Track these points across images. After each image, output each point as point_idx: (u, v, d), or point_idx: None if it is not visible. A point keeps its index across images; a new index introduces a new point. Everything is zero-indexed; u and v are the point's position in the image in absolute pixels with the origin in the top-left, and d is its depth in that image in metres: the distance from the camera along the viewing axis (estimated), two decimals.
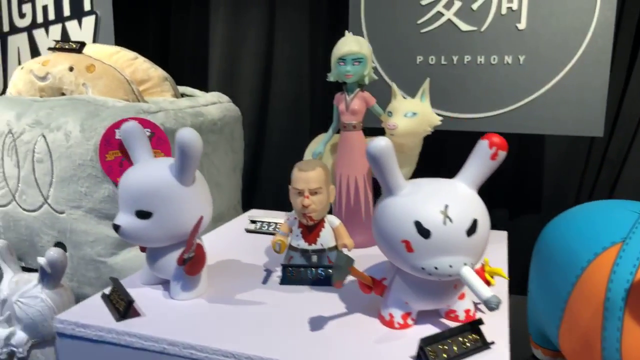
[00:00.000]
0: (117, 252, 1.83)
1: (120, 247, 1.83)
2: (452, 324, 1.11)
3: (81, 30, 2.68)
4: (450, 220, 0.98)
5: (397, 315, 1.09)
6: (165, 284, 1.30)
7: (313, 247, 1.36)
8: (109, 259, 1.82)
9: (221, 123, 2.11)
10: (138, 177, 1.17)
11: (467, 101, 2.03)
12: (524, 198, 2.47)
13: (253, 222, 1.79)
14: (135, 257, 1.83)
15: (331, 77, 1.60)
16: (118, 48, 2.17)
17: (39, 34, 2.79)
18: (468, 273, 0.98)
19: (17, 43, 2.87)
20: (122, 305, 1.13)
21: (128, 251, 1.83)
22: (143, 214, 1.15)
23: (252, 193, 2.89)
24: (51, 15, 2.74)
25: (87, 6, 2.65)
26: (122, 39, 2.64)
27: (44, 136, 1.80)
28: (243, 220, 1.94)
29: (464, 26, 2.03)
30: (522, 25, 1.97)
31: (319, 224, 1.36)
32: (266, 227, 1.77)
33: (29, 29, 2.82)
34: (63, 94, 2.00)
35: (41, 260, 1.40)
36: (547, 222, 2.43)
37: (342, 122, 1.61)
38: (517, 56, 1.98)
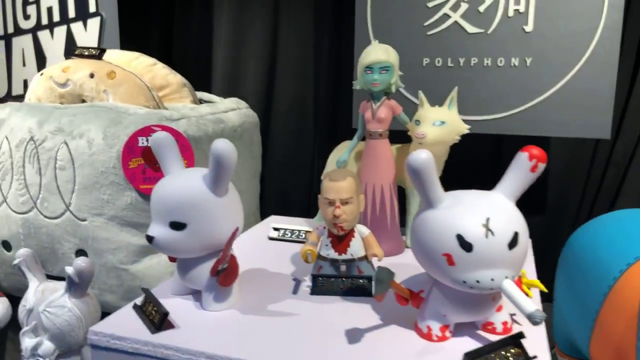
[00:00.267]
0: (139, 259, 1.82)
1: (142, 255, 1.82)
2: (490, 336, 1.10)
3: (86, 32, 2.68)
4: (492, 233, 0.97)
5: (435, 327, 1.08)
6: (195, 294, 1.30)
7: (343, 256, 1.35)
8: (130, 267, 1.82)
9: (241, 129, 2.11)
10: (172, 189, 1.16)
11: (473, 103, 2.04)
12: (528, 200, 2.46)
13: (276, 229, 1.79)
14: (157, 264, 1.83)
15: (357, 85, 1.59)
16: (137, 54, 2.16)
17: (43, 35, 2.79)
18: (510, 286, 0.98)
19: (22, 44, 2.87)
20: (157, 318, 1.13)
21: (150, 259, 1.83)
22: (177, 225, 1.14)
23: None
24: (56, 17, 2.74)
25: (92, 8, 2.65)
26: (127, 41, 2.64)
27: (66, 143, 1.79)
28: (264, 227, 1.94)
29: (470, 28, 2.03)
30: (529, 28, 1.97)
31: (349, 233, 1.35)
32: (289, 235, 1.77)
33: (33, 31, 2.82)
34: (83, 101, 2.00)
35: (69, 270, 1.40)
36: (551, 224, 2.44)
37: (367, 130, 1.60)
38: (524, 58, 1.99)
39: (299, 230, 1.77)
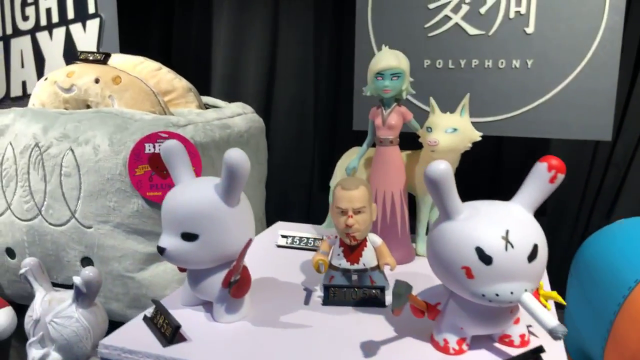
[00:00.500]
0: (145, 267, 1.80)
1: (148, 263, 1.80)
2: (507, 349, 1.08)
3: (85, 33, 2.65)
4: (512, 246, 0.96)
5: (452, 340, 1.07)
6: (205, 304, 1.28)
7: (355, 266, 1.33)
8: (136, 275, 1.80)
9: (247, 135, 2.09)
10: (183, 199, 1.14)
11: (474, 105, 2.01)
12: None
13: (284, 237, 1.77)
14: (164, 272, 1.81)
15: (367, 92, 1.58)
16: (142, 58, 2.14)
17: (42, 36, 2.77)
18: (529, 300, 0.96)
19: (20, 46, 2.84)
20: (169, 330, 1.11)
21: (156, 266, 1.81)
22: (189, 236, 1.12)
23: None
24: (55, 18, 2.71)
25: (91, 9, 2.62)
26: (127, 42, 2.62)
27: (72, 150, 1.77)
28: (270, 233, 1.92)
29: (471, 30, 2.02)
30: (530, 29, 1.97)
31: (362, 243, 1.33)
32: (298, 242, 1.75)
33: (32, 32, 2.79)
34: (88, 106, 1.98)
35: (76, 280, 1.37)
36: (551, 226, 2.42)
37: (377, 136, 1.58)
38: (525, 60, 1.98)
39: (307, 238, 1.76)
